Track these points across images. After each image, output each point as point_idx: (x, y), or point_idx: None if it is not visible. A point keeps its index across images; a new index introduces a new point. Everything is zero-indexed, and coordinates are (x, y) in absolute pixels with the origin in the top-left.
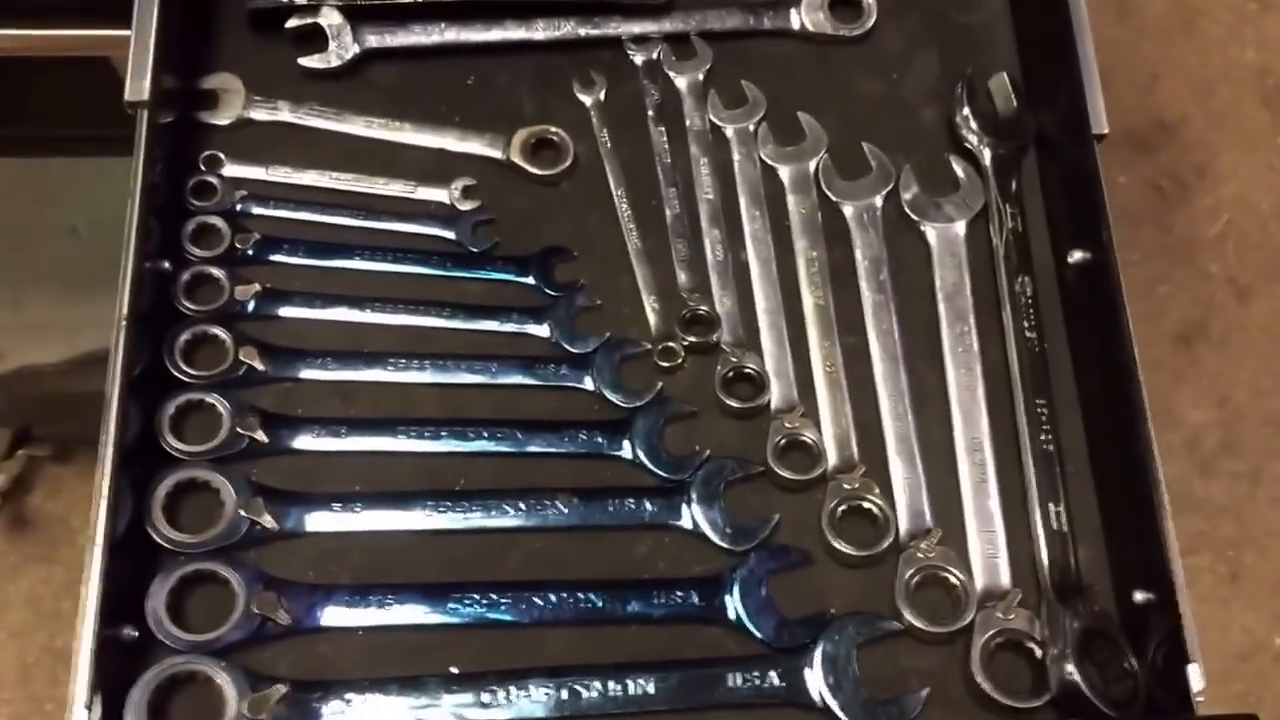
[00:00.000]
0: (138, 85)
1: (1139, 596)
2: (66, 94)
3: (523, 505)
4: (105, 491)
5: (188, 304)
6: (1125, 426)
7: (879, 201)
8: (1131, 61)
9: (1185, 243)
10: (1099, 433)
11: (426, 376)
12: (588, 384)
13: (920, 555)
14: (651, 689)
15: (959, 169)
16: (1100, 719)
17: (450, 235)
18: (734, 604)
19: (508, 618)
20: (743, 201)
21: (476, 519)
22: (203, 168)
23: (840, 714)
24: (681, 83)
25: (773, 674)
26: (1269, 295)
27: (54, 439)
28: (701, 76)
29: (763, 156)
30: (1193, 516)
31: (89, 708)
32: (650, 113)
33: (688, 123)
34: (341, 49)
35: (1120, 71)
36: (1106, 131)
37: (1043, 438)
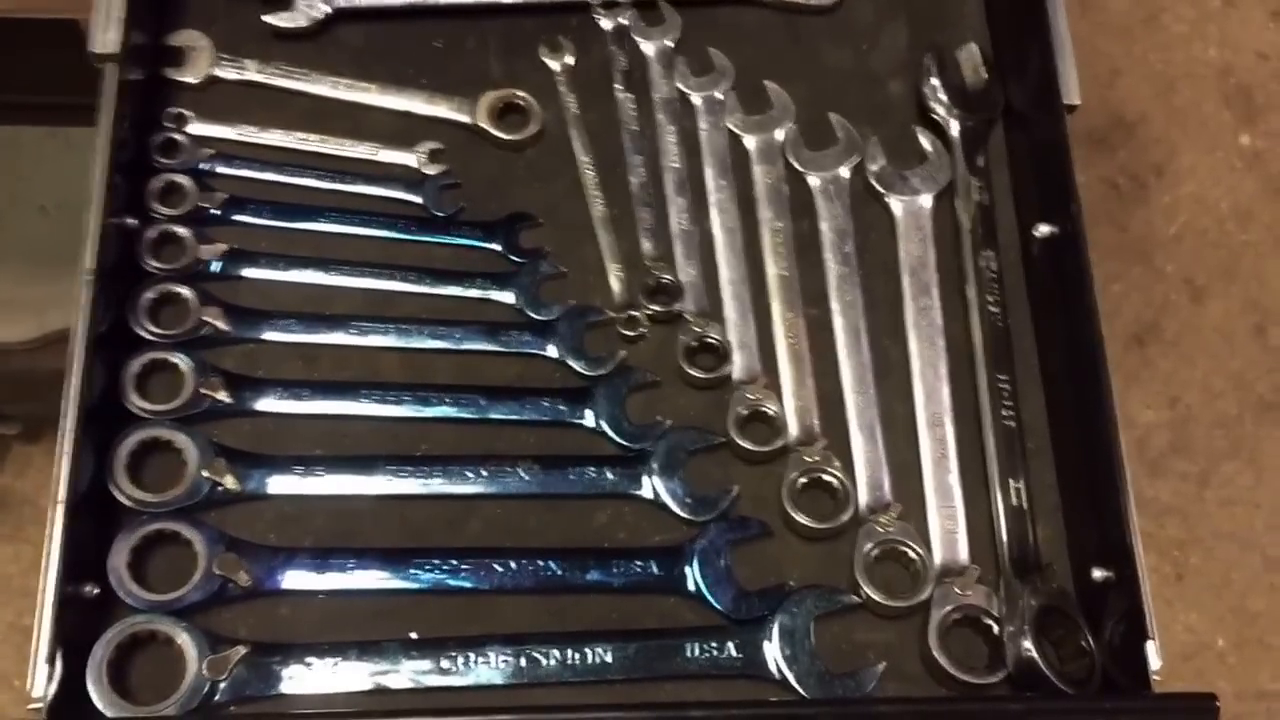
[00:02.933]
0: (104, 38)
1: (1097, 574)
2: (35, 59)
3: (484, 472)
4: (68, 447)
5: (153, 262)
6: (1089, 403)
7: (845, 173)
8: (1093, 57)
9: (1141, 242)
10: (1060, 410)
11: (390, 340)
12: (551, 351)
13: (880, 529)
14: (609, 658)
15: (926, 142)
16: (1056, 696)
17: (416, 199)
18: (693, 574)
19: (467, 584)
20: (708, 171)
21: (437, 485)
22: (169, 125)
23: (797, 686)
24: (649, 49)
25: (730, 645)
26: (1223, 296)
27: (22, 418)
28: (670, 44)
29: (729, 125)
30: (1140, 516)
31: (50, 662)
32: (617, 79)
33: (655, 90)
34: (309, 8)
35: (1081, 67)
36: (1079, 102)
37: (1004, 414)
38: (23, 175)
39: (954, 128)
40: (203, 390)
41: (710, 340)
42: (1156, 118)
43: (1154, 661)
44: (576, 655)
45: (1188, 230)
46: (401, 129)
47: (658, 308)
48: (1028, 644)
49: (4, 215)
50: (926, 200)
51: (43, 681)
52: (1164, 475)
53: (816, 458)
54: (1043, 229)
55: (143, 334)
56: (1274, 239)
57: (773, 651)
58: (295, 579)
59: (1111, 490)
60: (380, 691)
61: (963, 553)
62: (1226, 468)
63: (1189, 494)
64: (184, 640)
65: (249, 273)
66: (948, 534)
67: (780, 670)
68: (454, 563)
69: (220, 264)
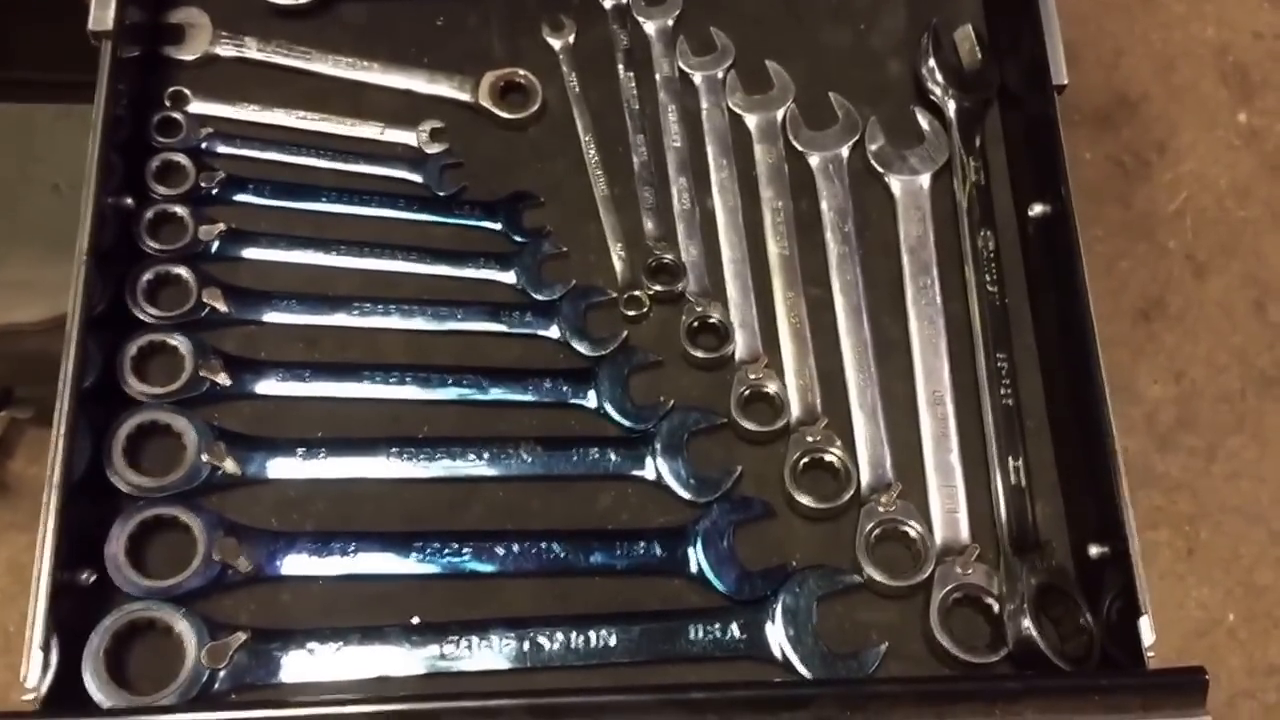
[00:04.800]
0: (101, 15)
1: (1094, 551)
2: (46, 35)
3: (486, 454)
4: (62, 431)
5: (151, 243)
6: (1080, 382)
7: (845, 152)
8: (1097, 37)
9: (1145, 218)
10: (1057, 388)
11: (391, 321)
12: (553, 332)
13: (881, 509)
14: (613, 641)
15: (924, 121)
16: (1055, 674)
17: (417, 178)
18: (696, 556)
19: (470, 567)
20: (710, 150)
21: (440, 467)
22: (168, 104)
23: (800, 667)
24: (651, 28)
25: (733, 626)
26: (1225, 271)
27: (36, 401)
28: (671, 23)
29: (730, 105)
30: (1151, 491)
31: (45, 650)
32: (619, 58)
33: (656, 69)
34: None
35: (1085, 47)
36: (1066, 83)
37: (1003, 392)
38: (36, 155)
39: (951, 107)
40: (202, 373)
41: (712, 320)
42: (1157, 96)
43: (1147, 637)
44: (580, 638)
45: (1189, 207)
46: (403, 108)
47: (660, 287)
48: (1027, 623)
49: (17, 195)
50: (925, 179)
51: (37, 671)
52: (1173, 450)
53: (818, 437)
54: (1036, 208)
55: (141, 316)
56: (1272, 215)
57: (775, 632)
58: (296, 564)
59: (1105, 467)
60: (383, 677)
61: (963, 532)
62: (1232, 442)
63: (1197, 468)
64: (183, 627)
65: (249, 253)
66: (948, 513)
67: (783, 651)
68: (456, 546)
69: (219, 244)
